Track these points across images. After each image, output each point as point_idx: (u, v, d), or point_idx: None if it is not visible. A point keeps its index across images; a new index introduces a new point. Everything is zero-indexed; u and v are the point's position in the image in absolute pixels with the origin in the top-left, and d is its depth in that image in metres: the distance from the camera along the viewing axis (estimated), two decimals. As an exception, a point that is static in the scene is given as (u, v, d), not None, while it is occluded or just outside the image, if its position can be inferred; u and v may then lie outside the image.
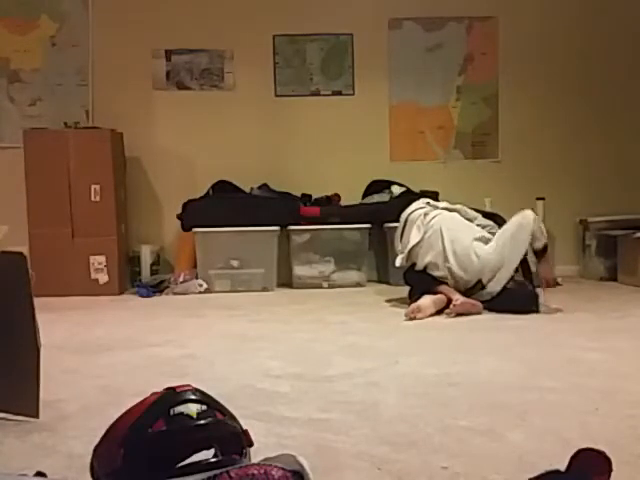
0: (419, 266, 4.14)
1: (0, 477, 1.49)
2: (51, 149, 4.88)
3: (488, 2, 5.56)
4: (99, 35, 5.35)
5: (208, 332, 3.60)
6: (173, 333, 3.54)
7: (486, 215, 4.43)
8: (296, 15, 5.45)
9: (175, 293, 4.87)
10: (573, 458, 1.38)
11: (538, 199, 5.28)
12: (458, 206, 4.34)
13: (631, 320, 3.74)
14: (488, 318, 3.81)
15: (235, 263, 4.98)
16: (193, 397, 1.42)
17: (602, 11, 5.56)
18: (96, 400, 2.37)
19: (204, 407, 1.41)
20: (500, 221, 4.28)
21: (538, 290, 4.00)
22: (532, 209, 4.24)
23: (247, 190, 5.28)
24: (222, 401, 1.48)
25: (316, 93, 5.51)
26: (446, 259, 4.06)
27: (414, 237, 4.15)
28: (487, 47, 5.56)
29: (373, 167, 5.44)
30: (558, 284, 4.93)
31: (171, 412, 1.38)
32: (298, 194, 5.29)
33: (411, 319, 3.74)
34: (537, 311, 3.84)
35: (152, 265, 5.16)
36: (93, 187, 4.90)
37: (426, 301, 3.87)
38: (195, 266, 5.01)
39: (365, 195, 5.36)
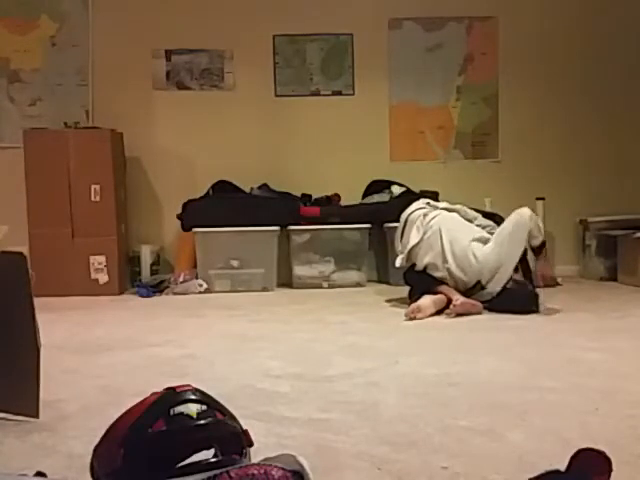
0: (419, 267, 4.14)
1: (0, 477, 1.49)
2: (51, 149, 4.88)
3: (488, 2, 5.56)
4: (99, 35, 5.35)
5: (208, 332, 3.60)
6: (173, 333, 3.54)
7: (486, 215, 4.43)
8: (296, 15, 5.45)
9: (175, 293, 4.87)
10: (573, 458, 1.38)
11: (538, 199, 5.28)
12: (458, 206, 4.34)
13: (631, 320, 3.74)
14: (488, 318, 3.81)
15: (235, 263, 4.98)
16: (193, 397, 1.42)
17: (602, 11, 5.56)
18: (96, 400, 2.37)
19: (204, 407, 1.41)
20: (500, 221, 4.28)
21: (538, 290, 4.00)
22: (532, 210, 4.24)
23: (247, 190, 5.28)
24: (222, 401, 1.48)
25: (316, 93, 5.51)
26: (445, 260, 4.06)
27: (413, 238, 4.15)
28: (487, 47, 5.56)
29: (373, 167, 5.44)
30: (558, 284, 4.94)
31: (171, 412, 1.38)
32: (298, 194, 5.29)
33: (411, 319, 3.74)
34: (537, 311, 3.84)
35: (152, 265, 5.16)
36: (93, 187, 4.90)
37: (426, 301, 3.87)
38: (195, 266, 5.01)
39: (365, 195, 5.36)
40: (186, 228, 5.03)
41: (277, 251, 5.04)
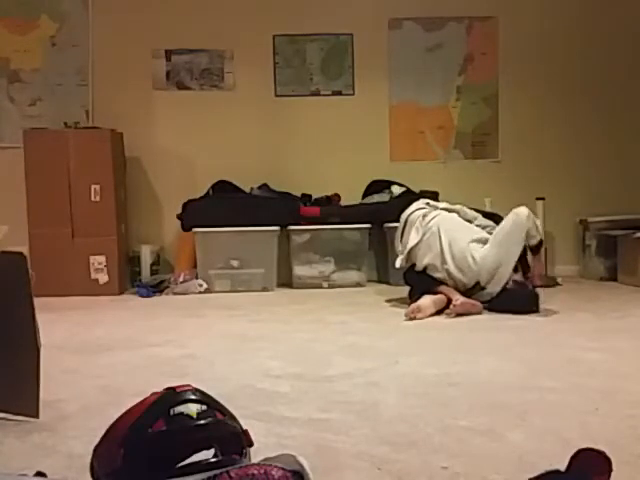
0: (418, 267, 4.14)
1: (0, 477, 1.49)
2: (51, 149, 4.88)
3: (488, 2, 5.56)
4: (99, 35, 5.35)
5: (208, 332, 3.60)
6: (173, 333, 3.54)
7: (486, 215, 4.43)
8: (296, 15, 5.45)
9: (175, 293, 4.87)
10: (573, 458, 1.38)
11: (538, 199, 5.28)
12: (458, 206, 4.34)
13: (631, 320, 3.74)
14: (488, 318, 3.81)
15: (235, 263, 4.98)
16: (193, 397, 1.42)
17: (602, 11, 5.56)
18: (96, 400, 2.37)
19: (204, 407, 1.41)
20: (500, 221, 4.26)
21: (538, 290, 4.00)
22: (532, 210, 4.23)
23: (247, 190, 5.28)
24: (222, 401, 1.48)
25: (316, 93, 5.51)
26: (444, 261, 4.05)
27: (413, 238, 4.15)
28: (487, 47, 5.56)
29: (373, 167, 5.44)
30: (558, 284, 4.94)
31: (171, 412, 1.38)
32: (298, 194, 5.29)
33: (411, 319, 3.74)
34: (537, 311, 3.84)
35: (152, 265, 5.16)
36: (93, 187, 4.90)
37: (426, 301, 3.87)
38: (195, 266, 5.01)
39: (365, 195, 5.36)
40: (186, 228, 5.03)
41: (277, 251, 5.04)
